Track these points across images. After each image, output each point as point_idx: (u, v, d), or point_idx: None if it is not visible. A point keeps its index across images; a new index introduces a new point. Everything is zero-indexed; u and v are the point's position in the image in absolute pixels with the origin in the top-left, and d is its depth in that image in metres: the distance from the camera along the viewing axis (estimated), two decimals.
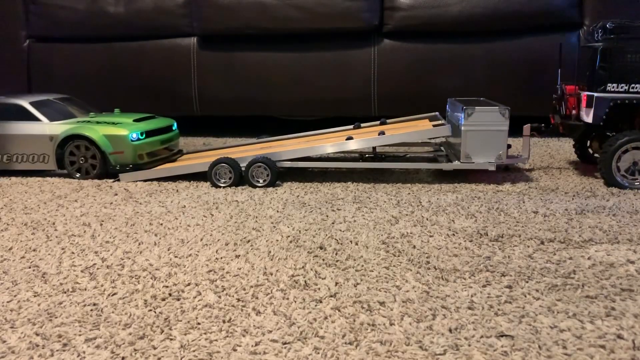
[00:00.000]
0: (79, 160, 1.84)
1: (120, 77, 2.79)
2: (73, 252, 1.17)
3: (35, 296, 0.96)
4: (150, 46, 2.75)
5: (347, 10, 2.51)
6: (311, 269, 1.06)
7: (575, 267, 1.05)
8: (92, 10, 2.73)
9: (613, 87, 1.62)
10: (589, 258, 1.09)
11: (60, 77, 2.84)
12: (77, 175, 1.85)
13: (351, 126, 2.10)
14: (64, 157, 1.85)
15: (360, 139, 1.78)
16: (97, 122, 1.87)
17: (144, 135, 1.87)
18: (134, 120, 1.93)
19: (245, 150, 1.99)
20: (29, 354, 0.78)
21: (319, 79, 2.62)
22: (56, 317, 0.88)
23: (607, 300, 0.92)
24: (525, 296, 0.93)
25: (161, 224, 1.35)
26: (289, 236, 1.25)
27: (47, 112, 1.93)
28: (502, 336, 0.81)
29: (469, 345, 0.79)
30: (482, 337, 0.81)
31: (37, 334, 0.83)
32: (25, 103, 1.92)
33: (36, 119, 1.89)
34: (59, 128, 1.86)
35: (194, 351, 0.78)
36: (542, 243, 1.18)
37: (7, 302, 0.94)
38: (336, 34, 2.58)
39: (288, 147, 1.85)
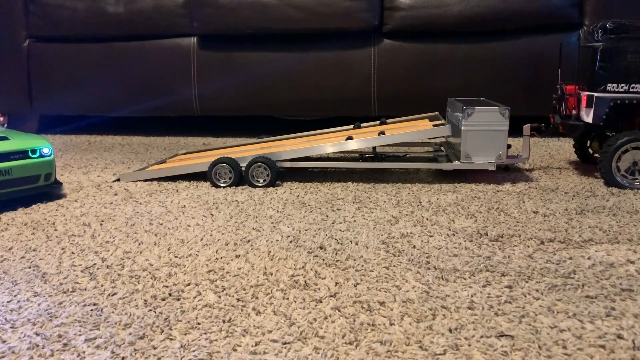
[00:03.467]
0: None
1: (120, 77, 2.79)
2: (73, 252, 1.17)
3: (35, 296, 0.96)
4: (150, 46, 2.75)
5: (347, 10, 2.51)
6: (311, 269, 1.06)
7: (575, 267, 1.05)
8: (92, 10, 2.73)
9: (613, 87, 1.62)
10: (589, 258, 1.09)
11: (60, 77, 2.84)
12: None
13: (351, 126, 2.10)
14: None
15: (360, 139, 1.78)
16: None
17: None
18: None
19: (245, 150, 1.99)
20: (29, 354, 0.78)
21: (319, 79, 2.63)
22: (56, 317, 0.88)
23: (607, 300, 0.92)
24: (525, 296, 0.93)
25: (161, 224, 1.35)
26: (289, 236, 1.25)
27: None
28: (502, 336, 0.81)
29: (469, 345, 0.79)
30: (482, 337, 0.81)
31: (37, 334, 0.83)
32: None
33: None
34: None
35: (194, 351, 0.78)
36: (542, 243, 1.18)
37: (7, 302, 0.94)
38: (336, 34, 2.58)
39: (288, 147, 1.85)
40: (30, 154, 1.58)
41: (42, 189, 1.61)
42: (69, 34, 2.79)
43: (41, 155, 1.60)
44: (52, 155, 1.63)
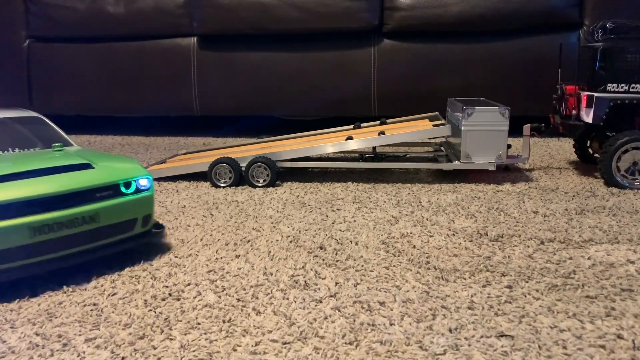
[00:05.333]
0: None
1: (120, 77, 2.79)
2: None
3: (35, 296, 0.96)
4: (150, 46, 2.75)
5: (347, 10, 2.51)
6: (311, 269, 1.06)
7: (575, 267, 1.05)
8: (92, 10, 2.73)
9: (613, 87, 1.62)
10: (589, 258, 1.09)
11: (60, 77, 2.84)
12: None
13: (351, 126, 2.10)
14: None
15: (360, 139, 1.78)
16: None
17: None
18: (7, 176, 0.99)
19: (245, 150, 1.99)
20: (29, 354, 0.78)
21: (319, 79, 2.62)
22: (56, 317, 0.88)
23: (607, 300, 0.92)
24: (525, 296, 0.93)
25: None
26: (289, 236, 1.25)
27: None
28: (502, 336, 0.81)
29: (469, 345, 0.79)
30: (482, 337, 0.81)
31: (37, 334, 0.83)
32: None
33: None
34: None
35: (194, 351, 0.78)
36: (542, 243, 1.18)
37: (7, 302, 0.94)
38: (336, 34, 2.58)
39: (288, 147, 1.85)
40: (123, 188, 1.08)
41: (140, 239, 1.13)
42: (69, 34, 2.79)
43: (137, 190, 1.11)
44: (152, 189, 1.14)
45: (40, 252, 0.98)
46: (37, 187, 0.97)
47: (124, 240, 1.09)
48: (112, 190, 1.06)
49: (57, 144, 1.19)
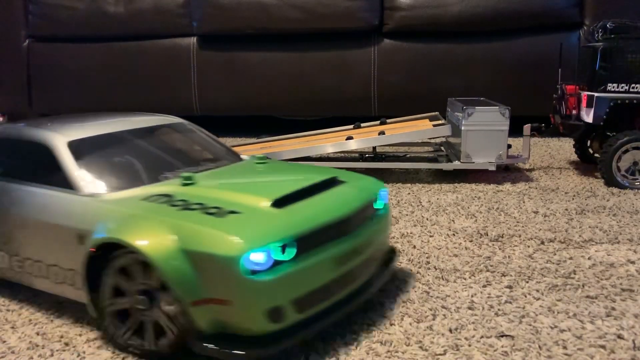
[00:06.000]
0: (133, 308, 0.77)
1: (120, 77, 2.79)
2: None
3: (36, 296, 0.96)
4: (150, 46, 2.75)
5: (347, 10, 2.50)
6: None
7: (575, 267, 1.05)
8: (92, 10, 2.73)
9: (613, 87, 1.62)
10: (589, 258, 1.10)
11: (60, 77, 2.84)
12: (129, 346, 0.77)
13: (351, 126, 2.10)
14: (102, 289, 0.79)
15: (360, 139, 1.78)
16: (183, 204, 0.80)
17: (295, 249, 0.75)
18: (277, 203, 0.80)
19: (245, 150, 1.99)
20: (29, 354, 0.78)
21: (319, 79, 2.62)
22: (57, 317, 0.88)
23: (607, 300, 0.92)
24: (526, 296, 0.93)
25: None
26: None
27: (98, 166, 0.89)
28: (502, 336, 0.81)
29: (469, 345, 0.79)
30: (482, 337, 0.81)
31: (38, 334, 0.83)
32: (57, 139, 0.90)
33: (67, 185, 0.86)
34: (98, 213, 0.81)
35: None
36: (542, 243, 1.18)
37: (8, 302, 0.94)
38: (336, 34, 2.58)
39: (288, 147, 1.85)
40: (375, 205, 0.94)
41: (389, 262, 0.97)
42: (69, 34, 2.79)
43: (384, 206, 0.96)
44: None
45: (336, 291, 0.80)
46: (327, 209, 0.82)
47: (381, 271, 0.93)
48: (370, 209, 0.91)
49: (258, 156, 1.03)
